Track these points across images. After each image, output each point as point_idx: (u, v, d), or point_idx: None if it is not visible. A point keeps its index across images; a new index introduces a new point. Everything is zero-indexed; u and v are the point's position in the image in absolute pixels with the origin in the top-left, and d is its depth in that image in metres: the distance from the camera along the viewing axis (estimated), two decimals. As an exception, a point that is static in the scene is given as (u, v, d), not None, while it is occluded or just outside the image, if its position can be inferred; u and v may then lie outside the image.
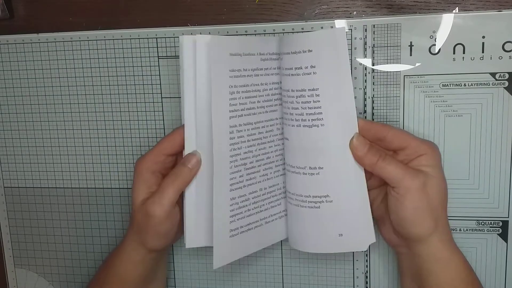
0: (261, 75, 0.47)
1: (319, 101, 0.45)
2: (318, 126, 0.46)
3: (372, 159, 0.45)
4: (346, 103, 0.45)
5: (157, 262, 0.53)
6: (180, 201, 0.49)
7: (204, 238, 0.49)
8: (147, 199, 0.47)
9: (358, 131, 0.46)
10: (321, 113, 0.45)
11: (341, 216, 0.47)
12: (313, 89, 0.45)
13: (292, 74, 0.46)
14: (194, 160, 0.47)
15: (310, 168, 0.47)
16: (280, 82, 0.48)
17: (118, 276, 0.51)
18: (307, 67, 0.45)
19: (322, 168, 0.47)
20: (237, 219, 0.48)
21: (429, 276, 0.46)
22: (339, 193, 0.47)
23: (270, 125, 0.49)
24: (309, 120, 0.46)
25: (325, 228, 0.48)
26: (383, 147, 0.47)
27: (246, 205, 0.48)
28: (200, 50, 0.45)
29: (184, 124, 0.47)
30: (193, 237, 0.49)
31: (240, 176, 0.47)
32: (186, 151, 0.47)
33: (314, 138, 0.46)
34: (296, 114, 0.46)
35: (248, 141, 0.47)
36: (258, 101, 0.47)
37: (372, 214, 0.48)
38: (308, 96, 0.45)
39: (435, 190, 0.45)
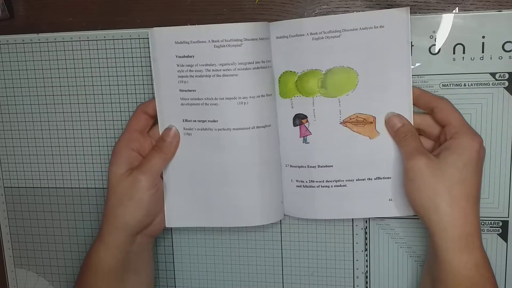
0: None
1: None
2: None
3: (399, 136, 0.48)
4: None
5: (138, 252, 0.51)
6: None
7: (185, 218, 0.53)
8: (133, 169, 0.50)
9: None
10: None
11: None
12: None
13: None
14: (172, 133, 0.51)
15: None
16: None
17: (94, 265, 0.50)
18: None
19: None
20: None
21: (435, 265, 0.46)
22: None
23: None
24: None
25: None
26: (434, 119, 0.48)
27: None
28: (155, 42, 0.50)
29: (152, 101, 0.52)
30: (173, 217, 0.53)
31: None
32: (161, 127, 0.52)
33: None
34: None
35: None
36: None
37: None
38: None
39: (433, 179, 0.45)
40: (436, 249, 0.45)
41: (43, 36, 0.56)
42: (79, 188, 0.59)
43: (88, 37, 0.55)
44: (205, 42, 0.48)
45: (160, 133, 0.52)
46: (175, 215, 0.53)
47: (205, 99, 0.49)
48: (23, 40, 0.57)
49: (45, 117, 0.58)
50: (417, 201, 0.45)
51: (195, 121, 0.50)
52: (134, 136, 0.51)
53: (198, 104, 0.50)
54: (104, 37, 0.55)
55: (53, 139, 0.58)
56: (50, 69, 0.57)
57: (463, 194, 0.44)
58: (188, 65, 0.49)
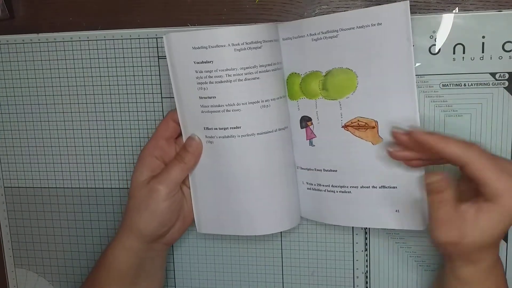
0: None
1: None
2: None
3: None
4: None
5: (152, 258, 0.52)
6: (187, 196, 0.52)
7: (215, 225, 0.52)
8: (152, 178, 0.49)
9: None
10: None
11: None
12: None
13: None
14: (194, 143, 0.49)
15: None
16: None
17: (109, 264, 0.51)
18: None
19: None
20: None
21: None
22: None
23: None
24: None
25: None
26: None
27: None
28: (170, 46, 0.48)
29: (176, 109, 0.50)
30: (203, 223, 0.53)
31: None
32: (184, 136, 0.50)
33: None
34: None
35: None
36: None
37: None
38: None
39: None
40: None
41: (43, 36, 0.56)
42: (79, 188, 0.59)
43: (88, 37, 0.55)
44: (224, 46, 0.46)
45: (184, 142, 0.51)
46: (205, 221, 0.53)
47: (226, 105, 0.47)
48: (23, 40, 0.57)
49: (45, 117, 0.58)
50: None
51: (216, 128, 0.48)
52: (160, 143, 0.51)
53: (219, 111, 0.48)
54: (104, 37, 0.55)
55: (53, 139, 0.58)
56: (50, 69, 0.57)
57: None
58: (207, 71, 0.47)
